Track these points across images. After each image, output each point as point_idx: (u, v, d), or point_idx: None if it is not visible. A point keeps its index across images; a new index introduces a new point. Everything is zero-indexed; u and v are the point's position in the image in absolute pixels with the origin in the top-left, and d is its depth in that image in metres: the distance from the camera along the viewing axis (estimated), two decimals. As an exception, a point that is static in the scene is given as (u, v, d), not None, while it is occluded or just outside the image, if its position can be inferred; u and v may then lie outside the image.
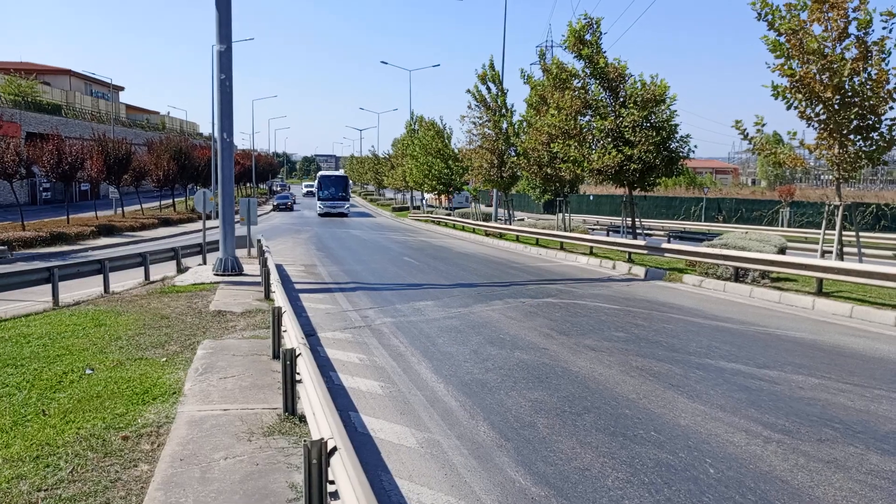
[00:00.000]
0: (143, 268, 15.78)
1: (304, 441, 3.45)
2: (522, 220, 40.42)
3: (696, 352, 8.77)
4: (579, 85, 21.07)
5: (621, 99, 19.42)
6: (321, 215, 53.38)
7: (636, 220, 22.17)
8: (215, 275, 15.74)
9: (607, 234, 29.85)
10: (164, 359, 8.14)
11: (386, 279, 16.19)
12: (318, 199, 55.12)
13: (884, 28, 12.97)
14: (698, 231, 32.58)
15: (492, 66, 31.27)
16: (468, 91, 31.75)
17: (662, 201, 48.31)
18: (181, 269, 17.25)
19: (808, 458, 5.29)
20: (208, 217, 20.36)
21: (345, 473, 3.09)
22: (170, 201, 48.60)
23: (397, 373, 7.85)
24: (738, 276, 14.40)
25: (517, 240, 27.53)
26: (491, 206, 43.03)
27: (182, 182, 46.46)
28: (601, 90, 20.16)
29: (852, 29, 13.45)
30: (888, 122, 13.68)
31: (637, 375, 7.65)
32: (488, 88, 31.36)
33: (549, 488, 4.80)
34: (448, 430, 5.97)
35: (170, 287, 14.30)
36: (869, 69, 13.28)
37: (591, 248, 21.27)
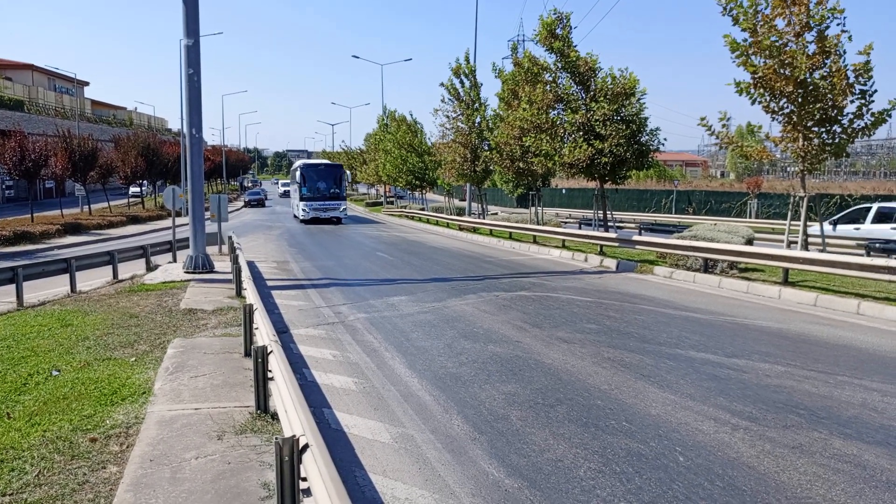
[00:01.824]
0: (111, 266, 15.50)
1: (276, 438, 3.43)
2: (496, 214, 40.54)
3: (667, 342, 8.90)
4: (550, 79, 21.16)
5: (592, 93, 19.55)
6: (305, 221, 37.68)
7: (608, 212, 22.38)
8: (186, 272, 15.53)
9: (579, 228, 30.07)
10: (134, 358, 8.02)
11: (359, 275, 16.13)
12: (301, 199, 38.08)
13: (837, 24, 13.25)
14: (669, 223, 32.96)
15: (467, 59, 31.21)
16: (442, 84, 31.68)
17: (633, 194, 48.82)
18: (151, 268, 16.99)
19: (774, 444, 5.41)
20: (178, 214, 20.06)
21: (317, 470, 3.08)
22: (138, 198, 47.75)
23: (371, 368, 7.84)
24: (708, 266, 14.63)
25: (491, 234, 27.61)
26: (465, 200, 43.07)
27: (151, 179, 45.71)
28: (572, 84, 20.26)
29: (814, 24, 13.72)
30: (849, 115, 13.99)
31: (609, 366, 7.74)
32: (462, 82, 31.33)
33: (523, 480, 4.85)
34: (422, 425, 5.98)
35: (139, 285, 14.08)
36: (829, 64, 13.57)
37: (564, 241, 21.43)
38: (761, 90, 14.29)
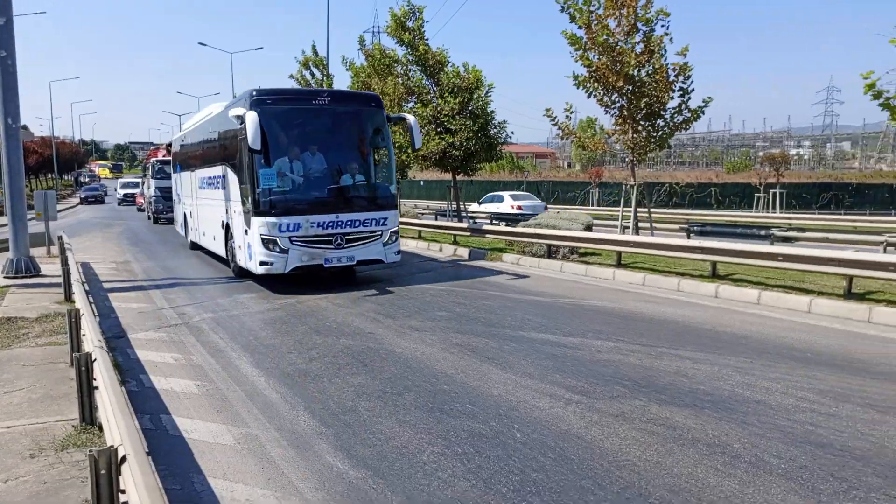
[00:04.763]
0: None
1: (90, 451, 3.21)
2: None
3: (511, 325, 9.35)
4: (402, 71, 21.34)
5: (441, 87, 19.97)
6: (270, 276, 12.38)
7: (461, 203, 23.01)
8: (5, 277, 14.00)
9: (436, 219, 30.65)
10: (-65, 377, 7.12)
11: (207, 274, 15.38)
12: (256, 211, 11.83)
13: (662, 26, 14.54)
14: (519, 212, 34.47)
15: (315, 51, 30.65)
16: (291, 76, 30.90)
17: (487, 185, 50.54)
18: (-39, 274, 15.11)
19: (601, 415, 5.87)
20: (-5, 213, 18.03)
21: (132, 482, 2.93)
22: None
23: (215, 370, 7.53)
24: (551, 252, 15.52)
25: (348, 226, 27.37)
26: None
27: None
28: (423, 77, 20.58)
29: (640, 25, 14.95)
30: (671, 111, 15.42)
31: (456, 352, 8.00)
32: (312, 74, 30.72)
33: (367, 469, 4.90)
34: (267, 424, 5.85)
35: (-54, 295, 12.48)
36: (653, 62, 14.85)
37: (420, 231, 21.75)
38: (596, 84, 15.36)
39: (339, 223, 12.24)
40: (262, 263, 12.00)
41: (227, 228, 14.37)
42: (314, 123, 12.67)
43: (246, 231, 12.47)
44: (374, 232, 12.65)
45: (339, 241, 12.26)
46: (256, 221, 11.94)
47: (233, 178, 13.40)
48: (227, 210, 14.20)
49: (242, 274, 13.54)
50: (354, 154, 13.15)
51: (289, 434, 5.60)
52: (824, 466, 4.77)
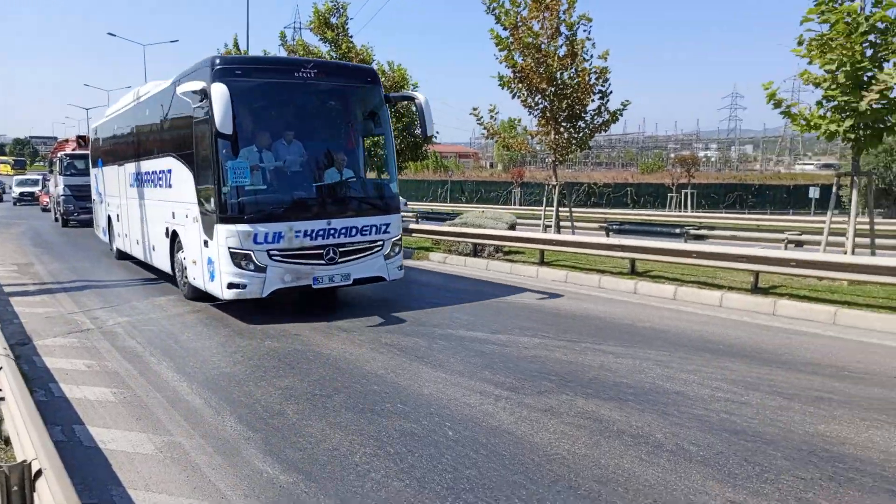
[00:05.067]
0: None
1: (0, 467, 3.00)
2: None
3: (440, 324, 9.39)
4: (325, 68, 21.04)
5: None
6: (242, 299, 9.63)
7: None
8: None
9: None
10: None
11: (120, 275, 14.65)
12: (223, 217, 9.13)
13: (584, 31, 15.00)
14: (444, 211, 34.75)
15: (236, 45, 29.76)
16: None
17: (412, 184, 50.64)
18: None
19: (530, 410, 5.99)
20: None
21: (50, 497, 2.76)
22: None
23: (133, 376, 7.19)
24: (477, 251, 15.71)
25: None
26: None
27: None
28: (347, 74, 20.35)
29: (563, 29, 15.37)
30: (591, 112, 15.91)
31: (386, 352, 7.96)
32: (231, 68, 29.81)
33: (298, 474, 4.81)
34: (191, 430, 5.64)
35: None
36: (575, 65, 15.29)
37: (345, 231, 21.53)
38: (520, 85, 15.68)
39: (332, 231, 9.68)
40: (230, 286, 9.26)
41: (173, 237, 11.40)
42: (297, 102, 10.09)
43: (206, 242, 9.64)
44: (375, 242, 10.14)
45: (331, 254, 9.69)
46: (223, 230, 9.16)
47: (184, 174, 10.45)
48: (174, 214, 11.17)
49: (198, 297, 10.68)
50: (348, 142, 10.91)
51: (215, 440, 5.42)
52: (739, 452, 5.05)
